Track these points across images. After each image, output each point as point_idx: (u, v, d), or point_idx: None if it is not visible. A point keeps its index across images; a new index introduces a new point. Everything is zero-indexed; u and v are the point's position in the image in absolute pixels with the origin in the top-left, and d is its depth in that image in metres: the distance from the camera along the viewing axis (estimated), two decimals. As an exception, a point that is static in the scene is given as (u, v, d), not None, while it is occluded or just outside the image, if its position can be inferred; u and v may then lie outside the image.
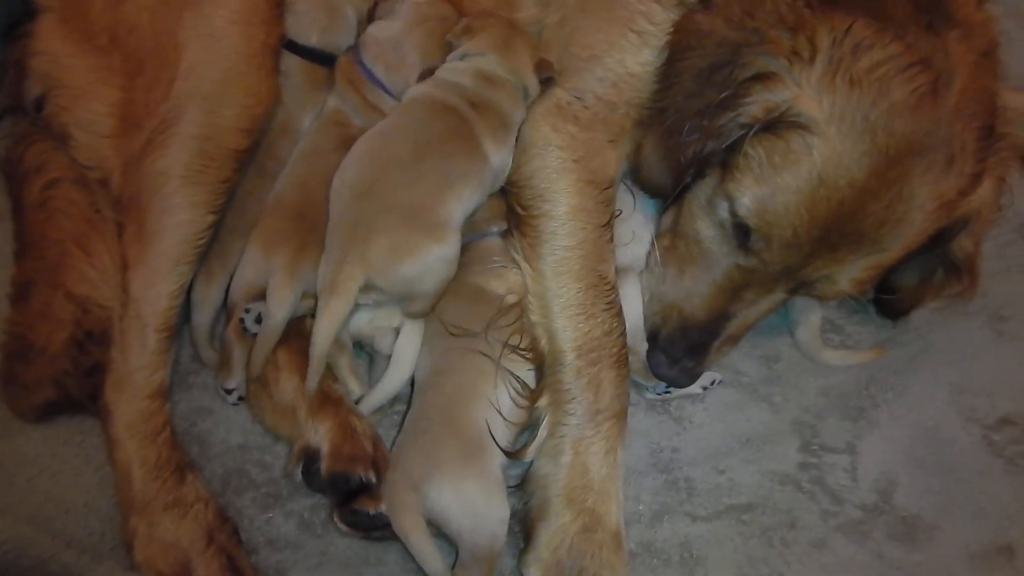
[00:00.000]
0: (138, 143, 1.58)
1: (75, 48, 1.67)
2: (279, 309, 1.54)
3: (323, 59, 1.78)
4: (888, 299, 1.73)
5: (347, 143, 1.68)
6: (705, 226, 1.54)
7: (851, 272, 1.45)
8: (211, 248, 1.63)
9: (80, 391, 1.57)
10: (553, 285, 1.57)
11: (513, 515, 1.53)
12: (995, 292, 1.92)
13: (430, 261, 1.50)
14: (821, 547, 1.60)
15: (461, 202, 1.58)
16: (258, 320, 1.56)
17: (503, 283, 1.62)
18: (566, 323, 1.55)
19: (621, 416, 1.54)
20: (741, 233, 1.47)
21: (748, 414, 1.74)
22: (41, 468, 1.59)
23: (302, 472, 1.57)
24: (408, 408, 1.58)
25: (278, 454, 1.64)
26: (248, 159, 1.64)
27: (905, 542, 1.62)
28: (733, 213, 1.46)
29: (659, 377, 1.62)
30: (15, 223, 1.70)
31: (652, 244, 1.67)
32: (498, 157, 1.63)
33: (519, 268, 1.61)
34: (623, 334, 1.57)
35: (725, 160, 1.46)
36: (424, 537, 1.41)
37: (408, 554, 1.53)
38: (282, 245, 1.58)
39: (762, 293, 1.53)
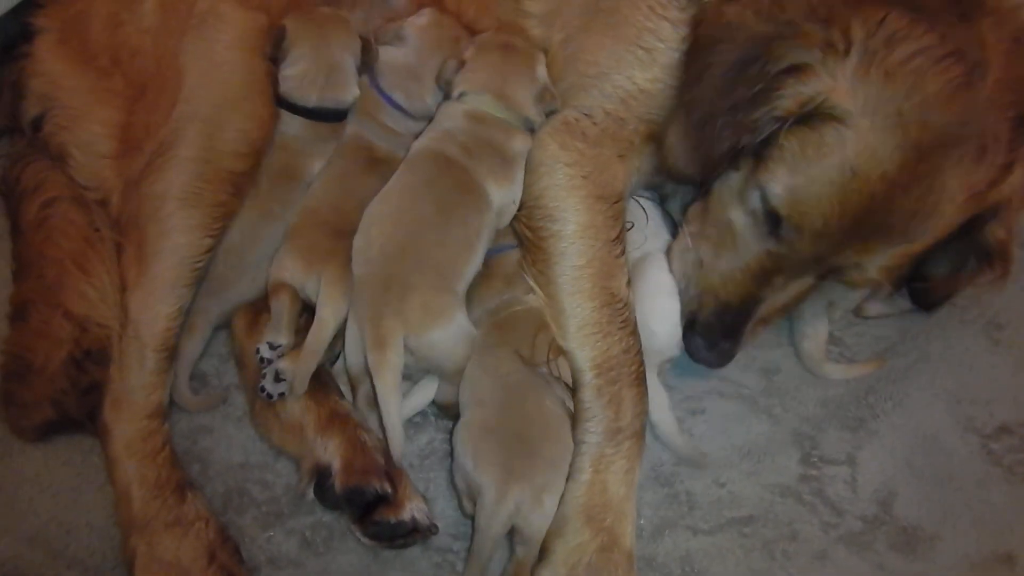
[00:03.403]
0: (138, 165, 1.59)
1: (74, 69, 1.69)
2: (332, 320, 1.55)
3: (328, 116, 1.73)
4: (922, 288, 1.72)
5: (374, 165, 1.69)
6: (737, 214, 1.54)
7: (880, 261, 1.45)
8: (195, 301, 1.61)
9: (79, 410, 1.57)
10: (567, 306, 1.58)
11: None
12: (991, 301, 1.92)
13: (454, 328, 1.51)
14: (822, 559, 1.61)
15: (475, 266, 1.59)
16: (277, 379, 1.56)
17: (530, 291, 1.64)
18: (583, 342, 1.56)
19: (640, 435, 1.54)
20: (772, 221, 1.47)
21: (748, 426, 1.75)
22: (41, 488, 1.59)
23: (315, 490, 1.56)
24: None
25: (279, 472, 1.63)
26: (245, 184, 1.64)
27: (906, 552, 1.62)
28: (765, 202, 1.46)
29: (698, 361, 1.62)
30: (13, 243, 1.70)
31: (675, 234, 1.68)
32: (500, 194, 1.64)
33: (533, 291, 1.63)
34: (640, 352, 1.58)
35: (758, 151, 1.45)
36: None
37: (409, 570, 1.55)
38: (328, 261, 1.59)
39: (792, 278, 1.53)
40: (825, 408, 1.77)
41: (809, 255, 1.47)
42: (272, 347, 1.58)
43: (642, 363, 1.58)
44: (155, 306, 1.55)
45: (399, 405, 1.49)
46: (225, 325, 1.74)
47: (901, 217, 1.39)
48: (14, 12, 1.86)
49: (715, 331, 1.58)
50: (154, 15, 1.66)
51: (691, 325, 1.61)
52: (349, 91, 1.73)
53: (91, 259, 1.59)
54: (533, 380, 1.53)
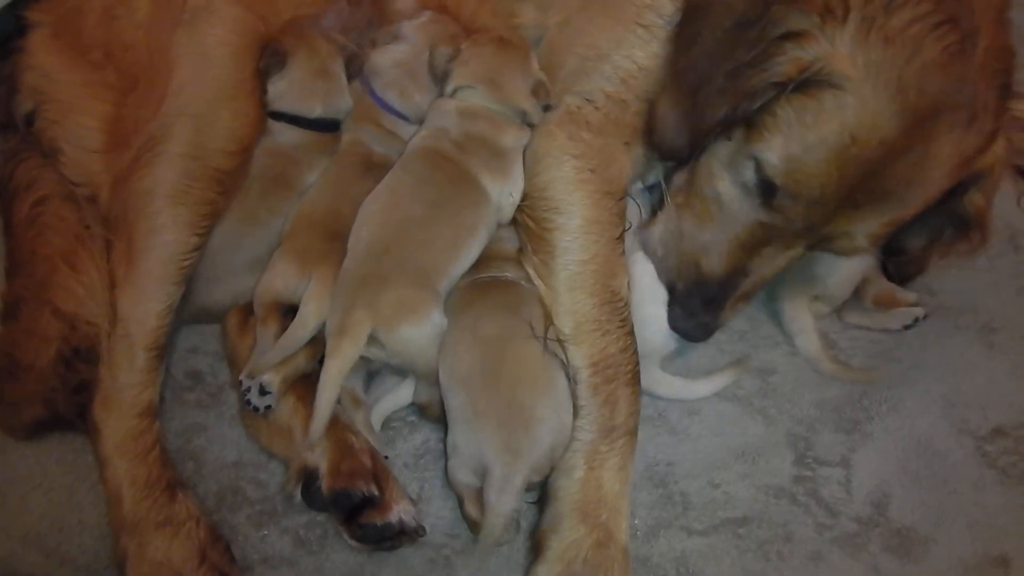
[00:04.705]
0: (126, 160, 1.58)
1: (67, 63, 1.67)
2: (314, 318, 1.54)
3: (328, 126, 1.73)
4: (898, 261, 1.74)
5: (371, 169, 1.69)
6: (726, 185, 1.53)
7: (870, 228, 1.46)
8: None
9: (69, 409, 1.56)
10: (567, 301, 1.57)
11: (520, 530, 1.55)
12: (986, 304, 1.93)
13: (429, 326, 1.50)
14: (817, 560, 1.60)
15: (464, 265, 1.58)
16: (262, 392, 1.55)
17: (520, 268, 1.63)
18: (581, 339, 1.56)
19: (634, 433, 1.54)
20: (766, 192, 1.47)
21: (743, 427, 1.74)
22: (34, 486, 1.58)
23: (302, 492, 1.56)
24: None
25: (273, 471, 1.63)
26: (233, 183, 1.63)
27: (900, 555, 1.61)
28: (760, 172, 1.45)
29: (676, 331, 1.63)
30: (6, 240, 1.69)
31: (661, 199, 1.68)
32: (497, 189, 1.63)
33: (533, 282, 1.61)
34: (636, 351, 1.57)
35: (750, 120, 1.45)
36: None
37: (403, 570, 1.54)
38: (321, 262, 1.58)
39: (781, 249, 1.54)
40: (820, 410, 1.77)
41: (801, 224, 1.48)
42: (253, 377, 1.56)
43: (637, 363, 1.58)
44: (145, 303, 1.54)
45: (332, 399, 1.46)
46: (217, 322, 1.74)
47: (896, 183, 1.40)
48: (9, 7, 1.85)
49: (695, 301, 1.59)
50: (147, 9, 1.64)
51: (671, 293, 1.62)
52: (346, 98, 1.74)
53: (81, 257, 1.58)
54: (508, 328, 1.52)
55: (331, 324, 1.50)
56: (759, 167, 1.45)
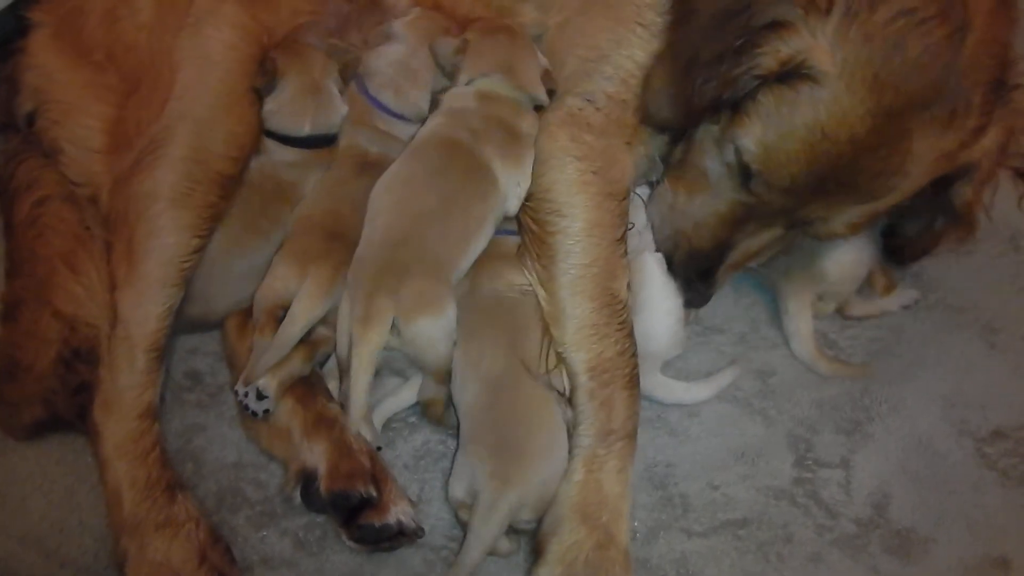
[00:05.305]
0: (128, 161, 1.58)
1: (68, 63, 1.68)
2: (304, 315, 1.54)
3: (321, 142, 1.72)
4: (895, 245, 1.76)
5: (367, 168, 1.69)
6: (713, 163, 1.57)
7: (846, 217, 1.49)
8: None
9: (69, 410, 1.56)
10: (567, 305, 1.57)
11: (521, 532, 1.54)
12: (987, 304, 1.93)
13: (444, 320, 1.50)
14: (817, 561, 1.60)
15: (472, 257, 1.59)
16: (259, 397, 1.55)
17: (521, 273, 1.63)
18: (579, 344, 1.56)
19: (633, 436, 1.54)
20: (744, 175, 1.50)
21: (742, 428, 1.75)
22: (34, 487, 1.59)
23: (301, 494, 1.56)
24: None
25: (273, 472, 1.63)
26: (234, 187, 1.63)
27: (900, 556, 1.61)
28: (739, 156, 1.48)
29: None
30: (7, 241, 1.69)
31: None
32: (507, 176, 1.62)
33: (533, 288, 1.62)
34: (635, 354, 1.58)
35: (736, 103, 1.46)
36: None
37: (402, 571, 1.54)
38: (320, 261, 1.58)
39: (761, 227, 1.58)
40: (820, 411, 1.77)
41: (778, 207, 1.51)
42: (249, 383, 1.56)
43: (636, 365, 1.58)
44: (145, 305, 1.53)
45: (368, 383, 1.47)
46: (217, 325, 1.74)
47: (867, 178, 1.42)
48: (10, 8, 1.85)
49: (691, 272, 1.63)
50: (150, 11, 1.65)
51: (668, 265, 1.66)
52: (337, 113, 1.74)
53: (81, 258, 1.58)
54: (511, 365, 1.53)
55: (354, 312, 1.50)
56: (738, 151, 1.48)
